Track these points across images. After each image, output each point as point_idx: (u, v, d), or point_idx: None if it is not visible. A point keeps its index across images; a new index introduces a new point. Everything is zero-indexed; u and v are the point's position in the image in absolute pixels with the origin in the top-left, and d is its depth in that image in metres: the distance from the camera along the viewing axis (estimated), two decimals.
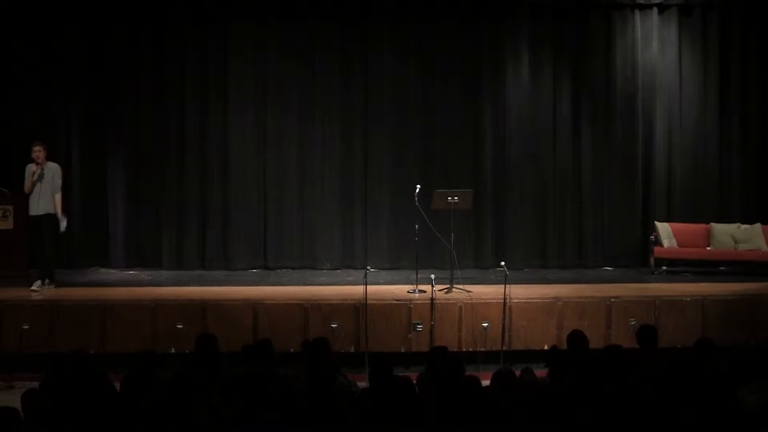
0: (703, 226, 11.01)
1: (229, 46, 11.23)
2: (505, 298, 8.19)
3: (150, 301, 8.40)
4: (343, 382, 5.34)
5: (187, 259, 11.19)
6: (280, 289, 9.36)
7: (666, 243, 10.78)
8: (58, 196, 9.05)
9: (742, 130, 11.61)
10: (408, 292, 8.73)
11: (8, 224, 9.31)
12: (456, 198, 8.99)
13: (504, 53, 11.46)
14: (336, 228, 11.35)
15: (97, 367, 5.15)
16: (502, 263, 8.47)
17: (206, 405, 4.33)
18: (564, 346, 6.07)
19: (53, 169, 9.05)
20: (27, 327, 8.02)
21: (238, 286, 9.69)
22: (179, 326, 8.00)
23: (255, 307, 8.30)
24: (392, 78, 11.34)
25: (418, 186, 9.04)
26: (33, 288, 8.83)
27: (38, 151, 8.95)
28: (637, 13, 11.54)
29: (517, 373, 5.12)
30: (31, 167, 8.96)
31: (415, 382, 5.00)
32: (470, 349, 8.15)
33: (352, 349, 8.17)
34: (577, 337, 5.88)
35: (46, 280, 8.99)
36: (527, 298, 8.52)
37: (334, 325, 8.16)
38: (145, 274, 10.75)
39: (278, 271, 11.07)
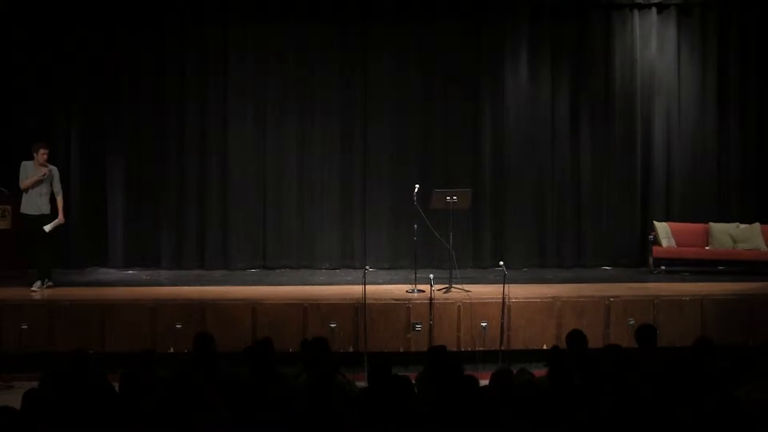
0: (701, 225, 11.02)
1: (229, 46, 11.23)
2: (503, 298, 8.21)
3: (149, 300, 8.40)
4: (342, 382, 5.35)
5: (186, 258, 11.19)
6: (280, 289, 9.37)
7: (665, 242, 10.79)
8: (60, 198, 9.05)
9: (741, 129, 11.61)
10: (407, 291, 8.74)
11: (7, 224, 9.32)
12: (455, 198, 9.00)
13: (504, 53, 11.46)
14: (335, 228, 11.35)
15: (96, 367, 5.16)
16: (501, 263, 8.49)
17: (205, 405, 4.34)
18: (563, 345, 6.08)
19: (54, 172, 9.06)
20: (26, 327, 8.03)
21: (237, 285, 9.69)
22: (178, 326, 8.01)
23: (254, 306, 8.30)
24: (392, 78, 11.34)
25: (417, 186, 9.04)
26: (33, 288, 8.83)
27: (45, 153, 8.95)
28: (636, 13, 11.54)
29: (515, 372, 5.13)
30: (30, 165, 8.94)
31: (413, 381, 5.01)
32: (469, 349, 8.15)
33: (351, 349, 8.17)
34: (576, 337, 5.88)
35: (45, 280, 8.98)
36: (526, 298, 8.53)
37: (333, 325, 8.17)
38: (144, 274, 10.75)
39: (277, 270, 11.06)
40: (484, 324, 8.24)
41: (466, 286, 8.83)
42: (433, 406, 4.44)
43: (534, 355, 8.07)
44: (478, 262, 11.28)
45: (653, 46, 11.56)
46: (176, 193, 11.22)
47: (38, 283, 8.88)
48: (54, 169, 9.09)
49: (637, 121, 11.53)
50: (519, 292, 8.61)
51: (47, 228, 8.88)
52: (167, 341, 7.95)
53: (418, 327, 8.26)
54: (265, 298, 8.55)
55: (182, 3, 11.10)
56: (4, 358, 7.98)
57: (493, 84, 11.47)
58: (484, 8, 11.39)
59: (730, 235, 10.80)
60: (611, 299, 8.55)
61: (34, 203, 8.94)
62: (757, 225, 10.83)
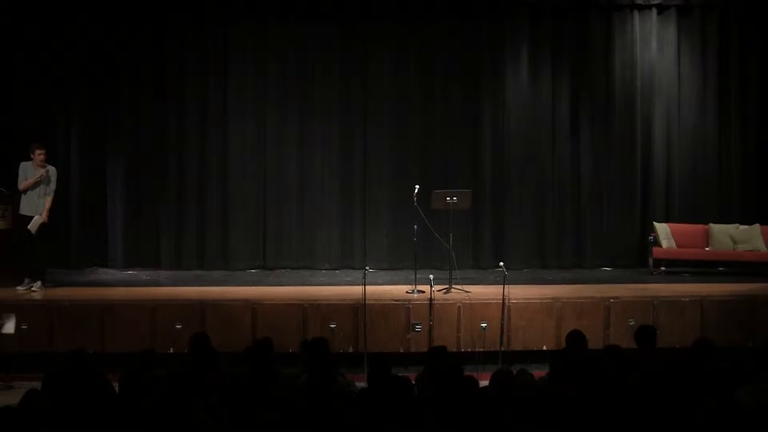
0: (701, 226, 11.02)
1: (229, 46, 11.23)
2: (503, 299, 8.20)
3: (149, 301, 8.41)
4: (342, 382, 5.35)
5: (186, 259, 11.19)
6: (279, 290, 9.37)
7: (665, 243, 10.79)
8: (50, 199, 9.01)
9: (741, 130, 11.62)
10: (407, 292, 8.74)
11: (7, 224, 9.30)
12: (455, 198, 9.00)
13: (504, 53, 11.47)
14: (335, 228, 11.35)
15: (96, 367, 5.16)
16: (501, 263, 8.47)
17: (205, 405, 4.33)
18: (563, 346, 6.08)
19: (51, 172, 9.05)
20: (26, 327, 8.01)
21: (237, 286, 9.69)
22: (178, 326, 7.99)
23: (254, 307, 8.30)
24: (392, 78, 11.35)
25: (417, 186, 9.04)
26: (33, 289, 8.82)
27: (42, 154, 8.95)
28: (636, 13, 11.55)
29: (515, 372, 5.13)
30: (29, 166, 8.93)
31: (413, 382, 5.00)
32: (469, 350, 8.15)
33: (351, 350, 8.17)
34: (575, 338, 5.88)
35: (39, 282, 8.92)
36: (526, 299, 8.52)
37: (332, 326, 8.17)
38: (144, 274, 10.75)
39: (277, 271, 11.06)
40: (484, 324, 8.24)
41: (466, 287, 8.82)
42: (433, 406, 4.43)
43: (534, 356, 8.07)
44: (478, 263, 11.28)
45: (653, 46, 11.56)
46: (176, 193, 11.21)
47: (38, 283, 8.87)
48: (52, 169, 9.07)
49: (637, 121, 11.53)
50: (519, 292, 8.61)
51: (31, 228, 8.83)
52: (167, 341, 7.94)
53: (418, 327, 8.26)
54: (265, 298, 8.55)
55: (182, 3, 11.10)
56: (4, 358, 7.97)
57: (493, 84, 11.47)
58: (484, 8, 11.40)
59: (730, 236, 10.80)
60: (611, 300, 8.54)
61: (33, 204, 8.92)
62: (757, 226, 10.82)
